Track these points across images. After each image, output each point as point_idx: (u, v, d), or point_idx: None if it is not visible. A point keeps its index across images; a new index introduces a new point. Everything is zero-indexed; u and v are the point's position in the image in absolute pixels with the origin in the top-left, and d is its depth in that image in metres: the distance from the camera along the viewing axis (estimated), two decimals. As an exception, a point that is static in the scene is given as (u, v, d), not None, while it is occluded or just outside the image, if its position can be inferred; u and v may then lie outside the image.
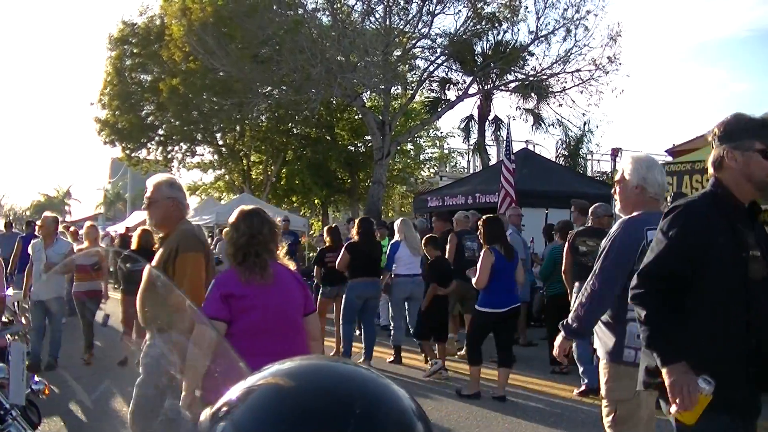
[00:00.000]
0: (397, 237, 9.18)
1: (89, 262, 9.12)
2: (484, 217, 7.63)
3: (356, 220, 9.98)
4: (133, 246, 7.71)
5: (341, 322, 9.16)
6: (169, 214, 4.19)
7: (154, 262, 4.06)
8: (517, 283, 7.42)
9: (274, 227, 3.78)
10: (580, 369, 7.44)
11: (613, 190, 4.00)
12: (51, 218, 9.31)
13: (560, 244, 8.30)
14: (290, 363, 1.03)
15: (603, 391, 3.82)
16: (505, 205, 12.11)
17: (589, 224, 7.48)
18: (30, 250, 9.30)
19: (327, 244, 9.98)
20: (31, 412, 5.23)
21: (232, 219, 3.76)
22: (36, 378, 3.48)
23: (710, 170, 3.03)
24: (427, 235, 9.14)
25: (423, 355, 9.00)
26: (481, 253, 7.40)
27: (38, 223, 10.01)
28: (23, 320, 6.80)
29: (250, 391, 0.97)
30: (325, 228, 10.72)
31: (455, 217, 10.20)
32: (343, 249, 9.00)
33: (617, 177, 3.93)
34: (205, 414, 1.01)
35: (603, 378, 3.80)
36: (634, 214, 3.72)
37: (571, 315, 3.86)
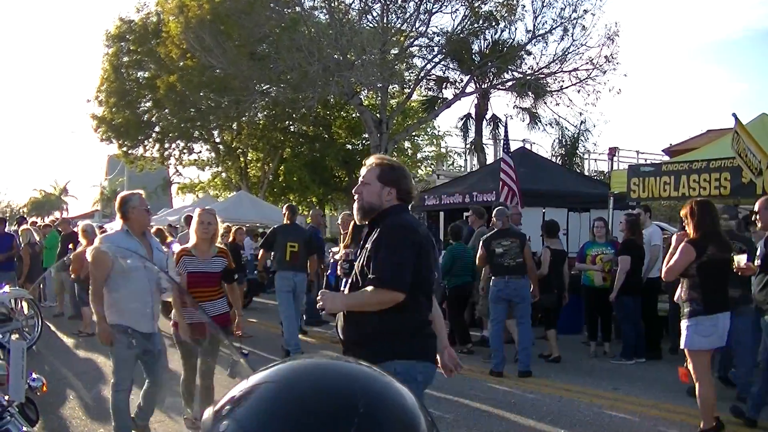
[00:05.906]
0: None
1: (211, 270, 5.84)
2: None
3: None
4: None
5: None
6: None
7: None
8: None
9: None
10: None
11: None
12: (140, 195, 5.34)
13: (457, 245, 10.08)
14: (293, 361, 1.04)
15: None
16: (508, 200, 11.84)
17: (500, 226, 8.47)
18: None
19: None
20: (29, 409, 5.23)
21: None
22: (34, 375, 3.47)
23: None
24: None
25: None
26: None
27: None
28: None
29: (253, 390, 0.97)
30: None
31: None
32: None
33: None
34: (209, 412, 1.02)
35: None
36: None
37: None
